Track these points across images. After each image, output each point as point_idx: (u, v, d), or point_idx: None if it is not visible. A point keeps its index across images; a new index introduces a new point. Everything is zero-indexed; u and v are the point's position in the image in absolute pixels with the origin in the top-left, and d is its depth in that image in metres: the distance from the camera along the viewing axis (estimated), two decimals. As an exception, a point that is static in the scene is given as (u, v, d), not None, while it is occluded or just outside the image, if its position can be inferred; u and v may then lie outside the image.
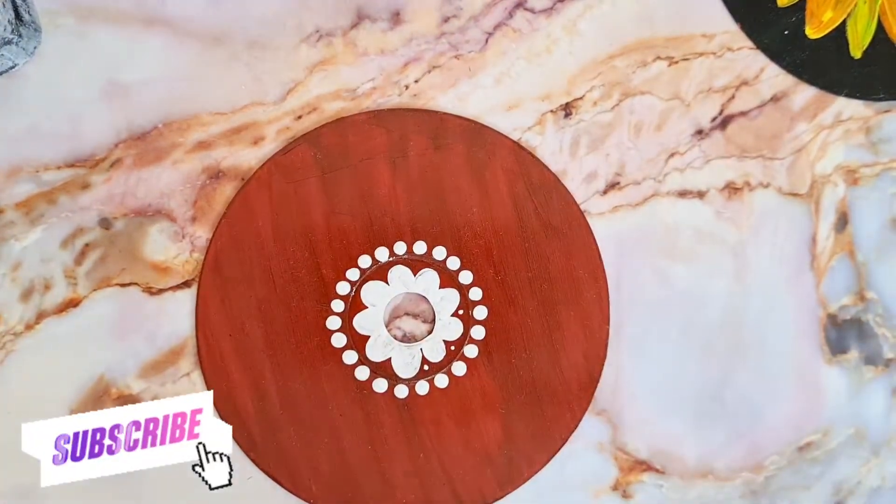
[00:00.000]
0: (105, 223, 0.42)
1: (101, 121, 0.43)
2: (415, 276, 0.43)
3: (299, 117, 0.43)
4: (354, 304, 0.42)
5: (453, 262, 0.43)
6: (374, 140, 0.43)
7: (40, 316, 0.42)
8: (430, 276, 0.43)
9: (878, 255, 0.45)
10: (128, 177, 0.43)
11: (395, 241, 0.43)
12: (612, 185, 0.44)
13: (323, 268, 0.42)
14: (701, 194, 0.45)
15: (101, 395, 0.41)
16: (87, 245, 0.42)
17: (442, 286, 0.43)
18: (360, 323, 0.42)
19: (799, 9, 0.45)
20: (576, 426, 0.42)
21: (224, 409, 0.41)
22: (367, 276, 0.43)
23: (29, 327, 0.42)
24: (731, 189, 0.45)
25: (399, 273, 0.43)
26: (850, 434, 0.44)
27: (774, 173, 0.45)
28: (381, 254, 0.43)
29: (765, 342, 0.44)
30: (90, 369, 0.42)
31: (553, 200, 0.43)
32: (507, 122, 0.44)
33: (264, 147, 0.43)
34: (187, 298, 0.42)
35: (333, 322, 0.42)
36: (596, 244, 0.43)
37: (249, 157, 0.43)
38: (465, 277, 0.43)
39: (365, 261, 0.42)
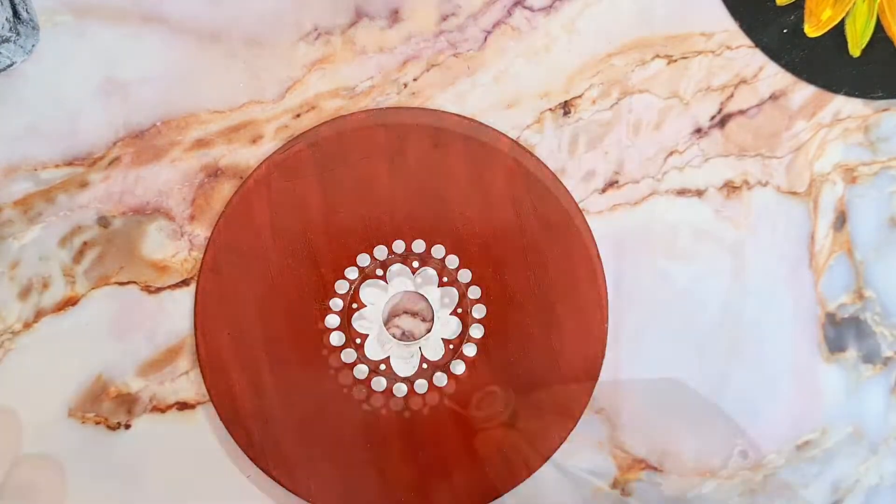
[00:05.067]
0: (103, 221, 0.42)
1: (99, 119, 0.43)
2: (413, 274, 0.43)
3: (298, 116, 0.43)
4: (353, 303, 0.42)
5: (452, 261, 0.43)
6: (373, 138, 0.43)
7: (39, 314, 0.42)
8: (428, 275, 0.43)
9: (876, 253, 0.45)
10: (126, 175, 0.43)
11: (394, 240, 0.43)
12: (611, 184, 0.44)
13: (321, 266, 0.42)
14: (700, 193, 0.45)
15: (99, 394, 0.41)
16: (85, 243, 0.42)
17: (441, 284, 0.43)
18: (359, 321, 0.42)
19: (798, 7, 0.45)
20: (574, 424, 0.42)
21: (223, 408, 0.41)
22: (365, 274, 0.43)
23: (27, 326, 0.42)
24: (730, 188, 0.45)
25: (398, 271, 0.43)
26: (849, 432, 0.45)
27: (773, 172, 0.45)
28: (380, 252, 0.43)
29: (763, 340, 0.44)
30: (88, 368, 0.42)
31: (551, 199, 0.43)
32: (506, 120, 0.44)
33: (263, 146, 0.43)
34: (186, 297, 0.42)
35: (332, 320, 0.42)
36: (594, 243, 0.43)
37: (248, 155, 0.43)
38: (464, 276, 0.43)
39: (364, 259, 0.42)
